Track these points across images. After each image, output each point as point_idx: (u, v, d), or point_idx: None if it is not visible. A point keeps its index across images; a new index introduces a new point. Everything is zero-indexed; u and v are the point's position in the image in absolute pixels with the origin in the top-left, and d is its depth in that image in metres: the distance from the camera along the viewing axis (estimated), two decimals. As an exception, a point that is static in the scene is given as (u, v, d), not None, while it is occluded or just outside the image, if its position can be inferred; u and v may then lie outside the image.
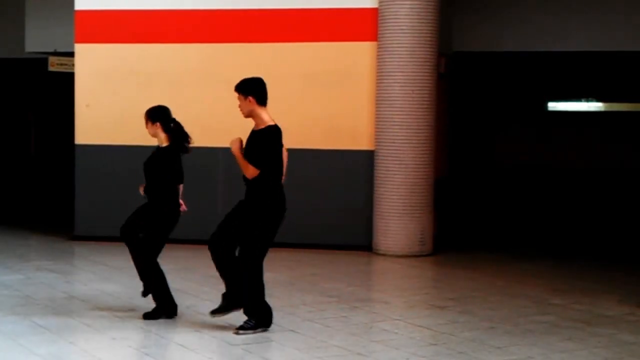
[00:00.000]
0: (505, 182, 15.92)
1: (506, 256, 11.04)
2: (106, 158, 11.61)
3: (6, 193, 15.60)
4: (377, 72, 10.79)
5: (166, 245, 11.15)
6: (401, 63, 10.57)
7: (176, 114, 11.43)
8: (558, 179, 16.98)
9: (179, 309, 7.77)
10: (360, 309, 7.91)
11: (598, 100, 18.34)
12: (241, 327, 6.84)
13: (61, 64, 13.90)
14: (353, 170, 11.06)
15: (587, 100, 18.38)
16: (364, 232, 11.09)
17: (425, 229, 10.89)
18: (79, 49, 11.71)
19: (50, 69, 13.81)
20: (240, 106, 6.82)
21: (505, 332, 7.17)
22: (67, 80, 12.74)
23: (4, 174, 16.01)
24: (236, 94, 6.84)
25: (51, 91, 15.51)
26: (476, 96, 15.55)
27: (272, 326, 6.86)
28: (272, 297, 8.02)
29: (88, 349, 6.46)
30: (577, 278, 9.67)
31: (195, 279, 9.12)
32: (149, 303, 7.86)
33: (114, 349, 6.45)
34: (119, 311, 7.67)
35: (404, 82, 10.54)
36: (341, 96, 11.01)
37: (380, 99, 10.76)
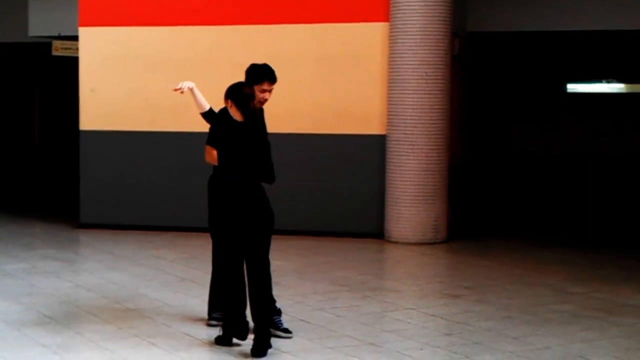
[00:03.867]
0: (522, 168, 15.85)
1: (523, 244, 10.99)
2: (112, 144, 11.60)
3: (12, 181, 15.64)
4: (389, 54, 10.73)
5: (175, 234, 11.28)
6: (414, 44, 10.51)
7: (181, 98, 11.39)
8: (577, 164, 16.89)
9: (186, 299, 7.78)
10: (372, 298, 7.89)
11: (620, 81, 18.19)
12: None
13: (65, 48, 13.88)
14: (364, 156, 11.02)
15: (608, 82, 18.24)
16: (376, 219, 11.06)
17: (439, 216, 10.85)
18: (83, 32, 11.69)
19: (54, 53, 13.80)
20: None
21: (522, 321, 7.14)
22: (72, 65, 12.72)
23: (9, 162, 16.03)
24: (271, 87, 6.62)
25: (56, 76, 15.50)
26: (492, 79, 15.47)
27: (283, 315, 6.80)
28: (282, 285, 8.04)
29: (94, 338, 6.46)
30: (597, 266, 9.61)
31: (203, 268, 9.09)
32: (154, 292, 7.88)
33: (120, 339, 6.44)
34: (125, 300, 7.67)
35: (417, 65, 10.48)
36: (352, 79, 10.96)
37: (392, 82, 10.71)
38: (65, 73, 12.54)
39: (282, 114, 10.35)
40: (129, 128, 11.53)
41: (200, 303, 7.62)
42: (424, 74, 10.46)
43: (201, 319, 7.04)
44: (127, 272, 8.96)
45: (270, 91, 6.55)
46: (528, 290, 8.30)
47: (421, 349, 6.31)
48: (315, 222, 11.12)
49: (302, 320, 7.07)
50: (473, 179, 13.35)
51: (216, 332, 6.45)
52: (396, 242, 10.81)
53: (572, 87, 18.42)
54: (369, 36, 10.91)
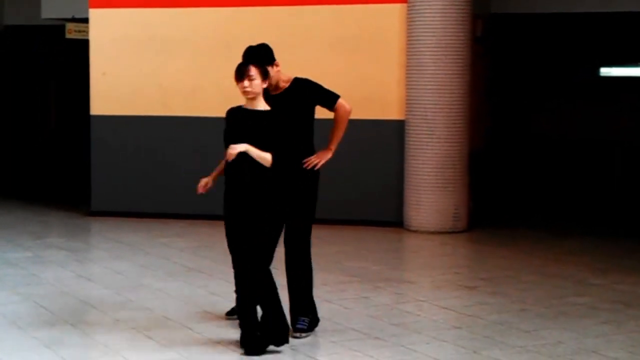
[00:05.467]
0: (548, 155, 15.57)
1: (546, 233, 10.80)
2: (123, 129, 11.54)
3: (27, 166, 15.65)
4: (407, 36, 10.56)
5: (188, 222, 11.21)
6: (433, 26, 10.33)
7: (196, 81, 11.40)
8: (608, 152, 16.57)
9: (190, 290, 7.70)
10: (383, 289, 7.76)
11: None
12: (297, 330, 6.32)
13: (79, 31, 13.83)
14: (382, 142, 10.87)
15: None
16: (395, 207, 10.91)
17: (460, 204, 10.69)
18: (94, 14, 11.63)
19: (68, 36, 13.75)
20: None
21: (537, 314, 6.98)
22: (86, 48, 12.66)
23: (24, 148, 16.05)
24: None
25: (71, 60, 15.48)
26: (517, 62, 15.20)
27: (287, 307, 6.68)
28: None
29: (89, 331, 6.40)
30: (620, 256, 9.42)
31: (212, 257, 9.03)
32: (157, 282, 7.81)
33: (115, 332, 6.37)
34: (126, 291, 7.60)
35: (436, 47, 10.30)
36: (368, 62, 10.80)
37: (410, 66, 10.54)
38: (80, 56, 12.45)
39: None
40: (141, 113, 11.47)
41: (204, 294, 7.55)
42: (444, 57, 10.27)
43: (204, 311, 6.96)
44: (133, 261, 8.90)
45: None
46: (546, 282, 8.13)
47: (427, 343, 6.18)
48: (331, 210, 10.95)
49: (323, 317, 6.93)
50: (495, 166, 13.14)
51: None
52: (415, 231, 10.67)
53: (606, 71, 18.08)
54: (386, 18, 10.74)
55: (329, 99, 6.37)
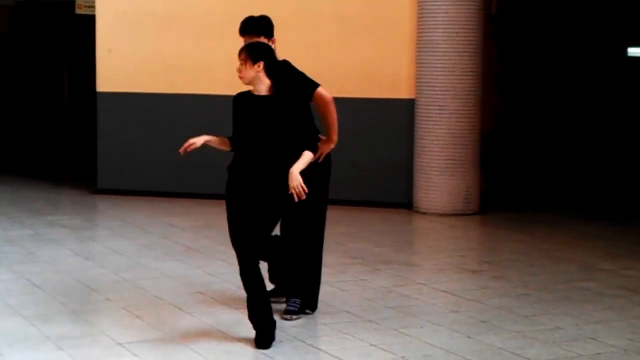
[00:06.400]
0: (565, 139, 15.36)
1: (561, 217, 10.69)
2: (130, 107, 11.55)
3: (38, 144, 15.70)
4: (418, 13, 10.45)
5: (190, 201, 11.22)
6: (444, 2, 10.22)
7: (202, 60, 11.37)
8: (630, 134, 16.37)
9: (187, 270, 7.70)
10: (384, 272, 7.73)
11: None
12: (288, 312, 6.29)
13: (89, 7, 13.81)
14: (392, 121, 10.80)
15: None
16: (405, 189, 10.86)
17: (471, 186, 10.61)
18: (100, -12, 11.64)
19: (78, 11, 13.76)
20: None
21: (539, 299, 6.92)
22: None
23: (36, 125, 16.10)
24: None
25: (83, 36, 15.50)
26: (535, 41, 14.99)
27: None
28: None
29: (78, 310, 6.42)
30: (635, 242, 9.30)
31: (213, 237, 9.02)
32: (155, 262, 7.82)
33: (104, 311, 6.40)
34: (122, 271, 7.61)
35: (448, 24, 10.19)
36: (378, 40, 10.71)
37: (421, 43, 10.44)
38: (91, 32, 12.43)
39: (302, 76, 10.17)
40: (148, 90, 11.47)
41: (200, 274, 7.56)
42: (456, 34, 10.17)
43: (198, 292, 6.97)
44: (134, 240, 8.92)
45: None
46: (554, 267, 8.06)
47: (421, 327, 6.14)
48: (339, 190, 10.86)
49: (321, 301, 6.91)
50: (510, 148, 13.02)
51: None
52: (425, 213, 10.61)
53: (634, 52, 17.84)
54: (396, -6, 10.66)
55: (307, 88, 6.11)
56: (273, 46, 6.17)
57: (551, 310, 6.63)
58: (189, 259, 8.12)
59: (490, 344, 5.80)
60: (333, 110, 6.22)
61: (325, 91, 6.19)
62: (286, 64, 6.14)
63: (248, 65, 5.60)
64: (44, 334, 5.82)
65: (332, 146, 6.29)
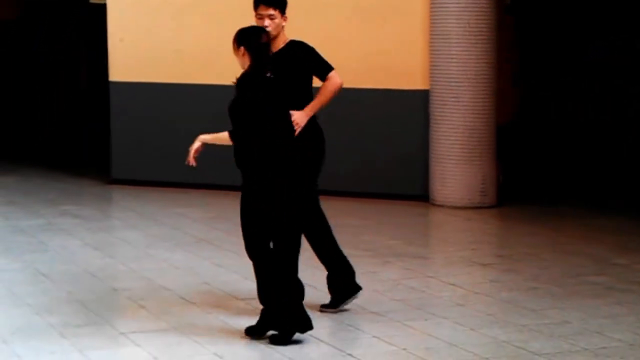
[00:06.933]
0: (585, 129, 15.28)
1: (579, 210, 10.65)
2: (142, 96, 11.66)
3: (54, 132, 15.84)
4: (431, 2, 10.47)
5: (207, 191, 11.33)
6: (457, -9, 10.26)
7: (215, 49, 11.44)
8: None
9: (195, 261, 7.81)
10: (393, 264, 7.79)
11: None
12: None
13: (103, -5, 13.93)
14: (406, 112, 10.82)
15: None
16: (421, 181, 10.89)
17: (487, 178, 10.63)
18: (111, -24, 11.74)
19: (92, 0, 13.88)
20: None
21: (547, 293, 6.96)
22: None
23: (54, 112, 16.25)
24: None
25: (98, 25, 15.64)
26: (552, 32, 14.93)
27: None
28: (302, 248, 7.93)
29: (83, 299, 6.54)
30: (652, 236, 9.31)
31: (224, 228, 9.12)
32: (164, 252, 7.92)
33: (110, 300, 6.53)
34: (130, 261, 7.74)
35: (460, 13, 10.20)
36: (391, 29, 10.71)
37: (434, 33, 10.47)
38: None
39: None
40: (160, 80, 11.56)
41: (208, 265, 7.67)
42: (467, 24, 10.19)
43: (203, 282, 7.08)
44: (144, 231, 9.04)
45: (270, 17, 6.16)
46: (567, 260, 8.08)
47: (425, 320, 6.21)
48: (354, 182, 11.01)
49: (309, 285, 6.94)
50: (528, 140, 13.00)
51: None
52: (441, 206, 10.63)
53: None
54: (409, -18, 10.68)
55: (322, 68, 6.27)
56: (284, 23, 6.25)
57: (559, 304, 6.67)
58: (198, 250, 8.23)
59: (493, 336, 5.86)
60: (333, 94, 6.28)
61: (338, 75, 6.30)
62: (300, 43, 6.25)
63: (235, 51, 5.82)
64: (47, 323, 5.95)
65: (304, 118, 6.13)
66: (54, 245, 8.29)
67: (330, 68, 6.29)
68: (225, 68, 11.21)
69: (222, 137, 5.85)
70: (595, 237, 9.11)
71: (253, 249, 5.76)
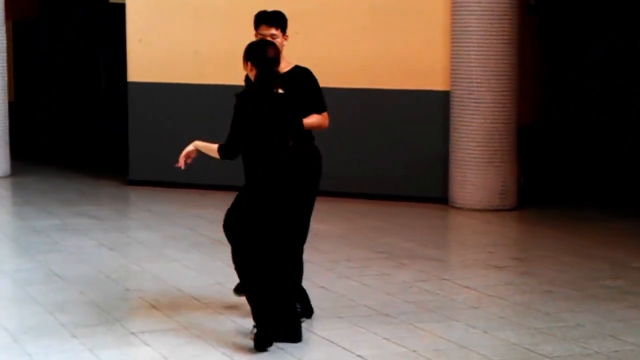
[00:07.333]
0: (607, 131, 15.21)
1: (599, 213, 10.65)
2: (160, 97, 11.77)
3: (76, 132, 15.98)
4: (452, 1, 10.50)
5: (225, 193, 11.36)
6: (478, -9, 10.29)
7: (232, 50, 11.48)
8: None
9: (208, 262, 7.88)
10: (408, 267, 7.84)
11: None
12: None
13: (122, -5, 14.06)
14: (425, 113, 10.86)
15: None
16: (440, 183, 10.92)
17: (507, 180, 10.65)
18: (130, -21, 11.86)
19: (111, 0, 14.01)
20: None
21: (563, 296, 6.98)
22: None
23: (74, 114, 16.41)
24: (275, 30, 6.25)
25: (117, 26, 15.78)
26: (577, 33, 14.89)
27: (304, 282, 6.77)
28: (317, 250, 8.06)
29: (96, 299, 6.64)
30: (672, 240, 9.30)
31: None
32: (178, 253, 8.00)
33: (121, 299, 6.61)
34: (144, 261, 7.83)
35: (481, 14, 10.23)
36: (411, 29, 10.76)
37: (455, 33, 10.50)
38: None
39: (334, 68, 10.28)
40: (178, 80, 11.67)
41: (221, 266, 7.72)
42: (489, 24, 10.22)
43: (215, 283, 7.15)
44: (160, 231, 9.14)
45: (272, 37, 6.15)
46: (584, 264, 8.10)
47: (438, 322, 6.26)
48: (373, 184, 11.05)
49: (322, 287, 7.09)
50: (550, 142, 12.99)
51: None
52: (461, 208, 10.66)
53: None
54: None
55: (318, 105, 6.21)
56: (284, 42, 6.27)
57: (574, 307, 6.69)
58: (212, 251, 8.30)
59: (505, 339, 5.90)
60: (317, 126, 6.24)
61: (326, 119, 6.28)
62: (305, 71, 6.24)
63: (244, 66, 5.98)
64: (59, 322, 6.05)
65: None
66: (68, 245, 8.40)
67: (324, 109, 6.26)
68: (242, 69, 11.43)
69: (212, 149, 5.94)
70: (613, 241, 9.12)
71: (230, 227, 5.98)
